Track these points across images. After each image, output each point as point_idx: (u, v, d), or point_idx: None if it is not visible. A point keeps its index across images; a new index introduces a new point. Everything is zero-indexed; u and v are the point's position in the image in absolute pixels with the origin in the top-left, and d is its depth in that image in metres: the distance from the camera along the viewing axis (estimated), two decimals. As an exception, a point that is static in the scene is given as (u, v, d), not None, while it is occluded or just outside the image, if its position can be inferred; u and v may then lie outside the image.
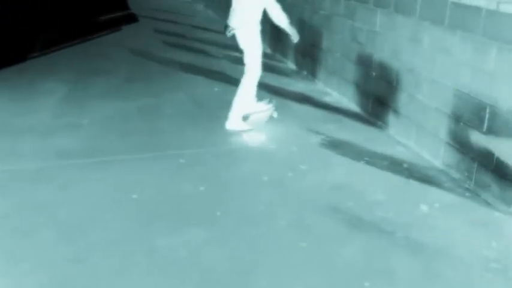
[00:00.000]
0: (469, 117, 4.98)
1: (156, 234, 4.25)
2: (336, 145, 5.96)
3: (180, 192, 4.93)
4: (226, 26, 6.25)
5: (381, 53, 6.42)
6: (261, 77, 6.41)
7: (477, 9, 4.81)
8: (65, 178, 5.17)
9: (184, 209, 4.65)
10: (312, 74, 8.40)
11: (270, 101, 6.67)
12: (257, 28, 6.23)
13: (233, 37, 6.25)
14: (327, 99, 7.49)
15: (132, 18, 13.23)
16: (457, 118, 5.16)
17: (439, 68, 5.39)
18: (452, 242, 4.21)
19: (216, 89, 7.89)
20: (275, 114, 6.61)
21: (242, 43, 6.28)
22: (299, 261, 3.96)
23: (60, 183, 5.06)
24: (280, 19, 6.28)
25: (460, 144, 5.13)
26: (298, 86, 8.11)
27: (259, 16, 6.21)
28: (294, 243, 4.15)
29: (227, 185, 5.10)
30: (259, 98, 6.56)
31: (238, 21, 6.17)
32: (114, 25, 12.19)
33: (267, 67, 7.02)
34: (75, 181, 5.11)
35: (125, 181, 5.12)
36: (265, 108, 6.56)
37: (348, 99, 7.28)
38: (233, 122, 6.39)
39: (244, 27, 6.17)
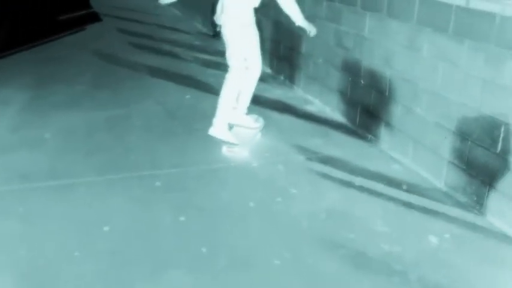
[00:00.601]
0: (478, 135, 4.50)
1: (135, 278, 3.67)
2: (325, 162, 5.43)
3: (158, 224, 4.35)
4: (214, 25, 5.62)
5: (371, 59, 5.91)
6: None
7: (489, 15, 4.32)
8: (27, 206, 4.54)
9: (165, 245, 4.06)
10: (290, 80, 7.86)
11: (257, 120, 6.15)
12: (252, 22, 5.63)
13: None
14: (309, 108, 6.96)
15: (94, 18, 12.58)
16: (463, 135, 4.67)
17: (441, 80, 4.89)
18: (473, 283, 3.71)
19: (188, 96, 7.30)
20: (259, 136, 6.06)
21: (232, 42, 5.63)
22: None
23: (22, 213, 4.43)
24: (292, 10, 5.68)
25: (467, 165, 4.64)
26: (276, 92, 7.55)
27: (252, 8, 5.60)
28: (295, 290, 3.60)
29: (210, 214, 4.51)
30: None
31: (229, 17, 5.54)
32: (76, 25, 11.52)
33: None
34: (39, 210, 4.50)
35: (94, 210, 4.52)
36: (251, 126, 6.06)
37: (331, 109, 6.76)
38: (217, 129, 5.80)
39: (236, 22, 5.54)
